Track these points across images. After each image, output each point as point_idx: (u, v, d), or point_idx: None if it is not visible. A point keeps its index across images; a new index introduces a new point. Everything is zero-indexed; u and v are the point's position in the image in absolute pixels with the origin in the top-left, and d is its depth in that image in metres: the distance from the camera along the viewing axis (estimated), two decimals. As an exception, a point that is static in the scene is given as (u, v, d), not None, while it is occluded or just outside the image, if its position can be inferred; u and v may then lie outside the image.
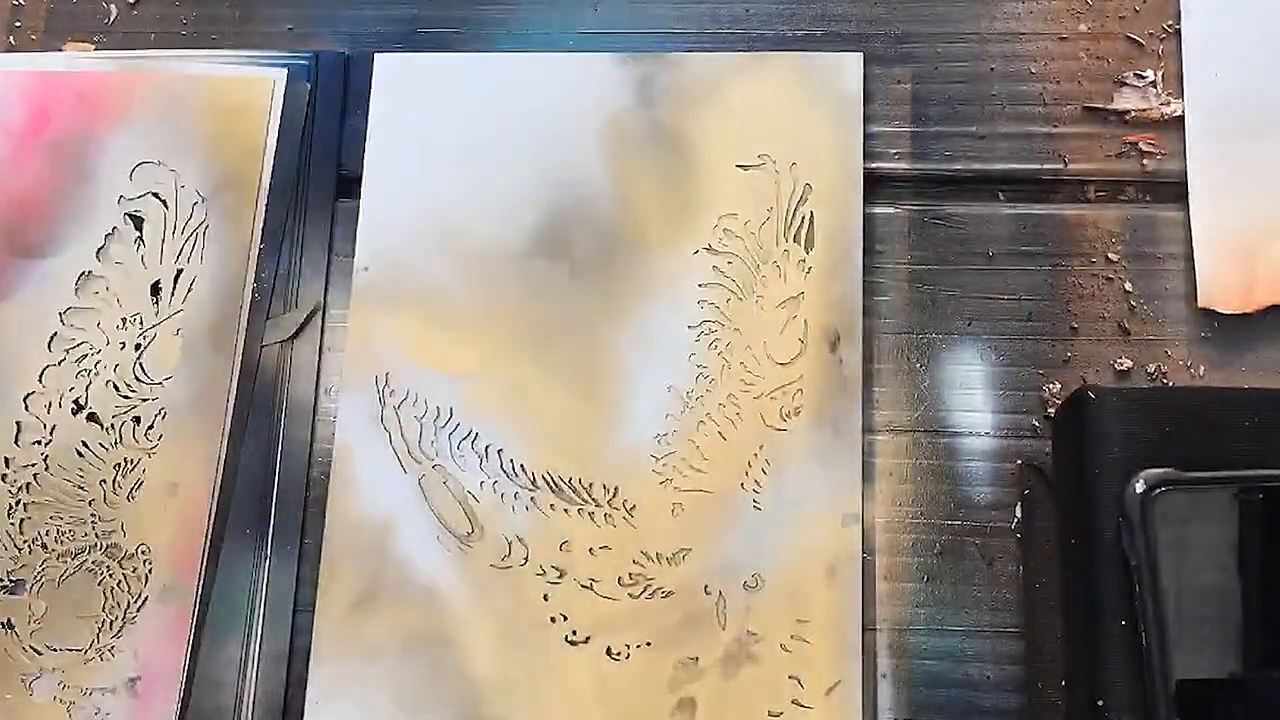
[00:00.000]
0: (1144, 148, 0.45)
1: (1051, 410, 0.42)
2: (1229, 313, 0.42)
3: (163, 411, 0.45)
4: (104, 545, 0.44)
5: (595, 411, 0.43)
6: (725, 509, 0.42)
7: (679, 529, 0.42)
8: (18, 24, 0.51)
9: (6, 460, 0.45)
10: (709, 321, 0.44)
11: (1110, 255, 0.44)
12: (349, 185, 0.47)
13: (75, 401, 0.46)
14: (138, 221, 0.47)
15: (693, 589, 0.41)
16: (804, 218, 0.44)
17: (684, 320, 0.44)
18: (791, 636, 0.40)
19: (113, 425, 0.45)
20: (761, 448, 0.42)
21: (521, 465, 0.43)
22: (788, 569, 0.41)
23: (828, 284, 0.43)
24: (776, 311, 0.43)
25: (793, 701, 0.40)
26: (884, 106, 0.46)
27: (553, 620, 0.41)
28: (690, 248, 0.44)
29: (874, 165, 0.45)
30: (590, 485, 0.43)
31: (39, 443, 0.45)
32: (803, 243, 0.44)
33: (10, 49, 0.51)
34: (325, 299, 0.46)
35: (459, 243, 0.45)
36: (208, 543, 0.43)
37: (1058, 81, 0.46)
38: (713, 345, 0.43)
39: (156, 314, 0.46)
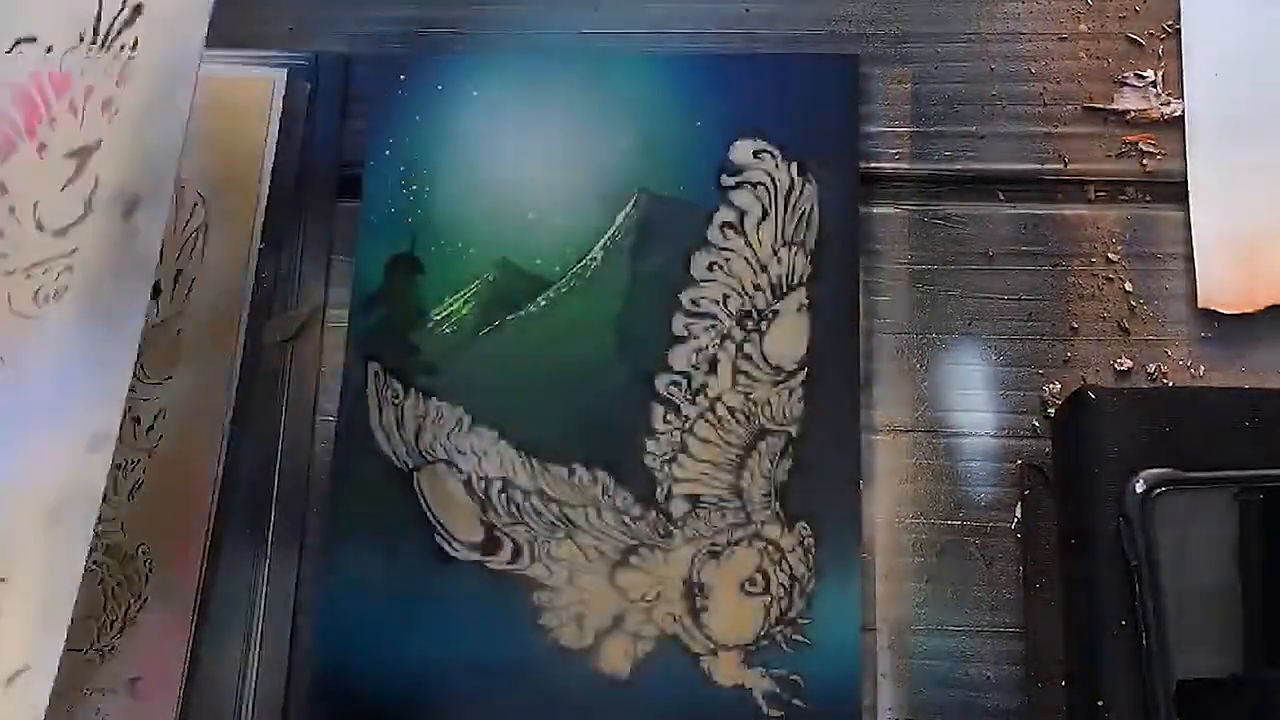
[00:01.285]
0: (1144, 148, 0.45)
1: (1051, 410, 0.42)
2: (1229, 313, 0.42)
3: (163, 411, 0.45)
4: (104, 545, 0.44)
5: None
6: None
7: None
8: (18, 24, 0.51)
9: (5, 460, 0.45)
10: None
11: (1110, 255, 0.44)
12: (349, 185, 0.47)
13: (74, 401, 0.45)
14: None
15: None
16: (125, 44, 0.35)
17: None
18: None
19: (112, 425, 0.45)
20: None
21: None
22: None
23: (140, 131, 0.34)
24: (63, 163, 0.34)
25: None
26: (884, 106, 0.46)
27: None
28: None
29: (874, 165, 0.45)
30: None
31: (38, 443, 0.45)
32: (115, 76, 0.35)
33: (10, 49, 0.51)
34: (325, 299, 0.46)
35: None
36: (208, 543, 0.43)
37: (1058, 81, 0.46)
38: None
39: (156, 314, 0.46)
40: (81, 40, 0.35)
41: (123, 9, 0.35)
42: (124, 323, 0.32)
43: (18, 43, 0.35)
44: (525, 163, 0.47)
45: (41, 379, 0.32)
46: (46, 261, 0.33)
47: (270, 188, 0.47)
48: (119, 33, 0.35)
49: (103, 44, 0.35)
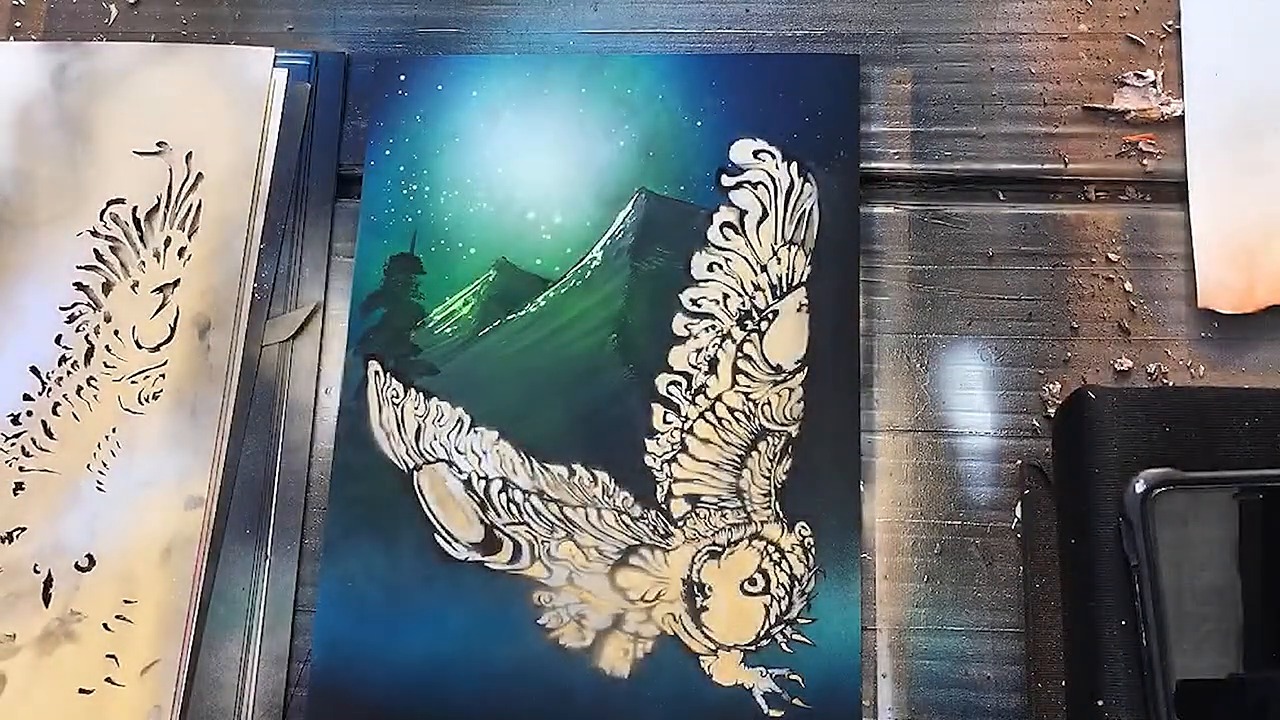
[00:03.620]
0: (1144, 148, 0.45)
1: (1051, 410, 0.42)
2: (1229, 313, 0.42)
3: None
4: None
5: None
6: (67, 490, 0.43)
7: (17, 508, 0.43)
8: (18, 24, 0.51)
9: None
10: (81, 304, 0.44)
11: (1110, 255, 0.44)
12: (349, 185, 0.47)
13: (74, 402, 0.46)
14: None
15: (20, 568, 0.43)
16: (193, 205, 0.45)
17: (56, 301, 0.45)
18: (116, 616, 0.42)
19: (112, 425, 0.46)
20: (115, 430, 0.43)
21: None
22: (122, 550, 0.42)
23: (207, 271, 0.45)
24: (151, 297, 0.45)
25: (106, 679, 0.41)
26: (884, 106, 0.46)
27: None
28: (74, 230, 0.45)
29: (874, 165, 0.45)
30: None
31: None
32: (187, 229, 0.45)
33: (10, 49, 0.51)
34: (325, 299, 0.46)
35: None
36: (208, 543, 0.43)
37: (1058, 81, 0.46)
38: (80, 328, 0.44)
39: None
40: (158, 201, 0.45)
41: (188, 177, 0.45)
42: (204, 417, 0.43)
43: (110, 204, 0.46)
44: (525, 163, 0.47)
45: (148, 458, 0.43)
46: (145, 371, 0.44)
47: (270, 187, 0.47)
48: (185, 195, 0.44)
49: (175, 204, 0.44)
